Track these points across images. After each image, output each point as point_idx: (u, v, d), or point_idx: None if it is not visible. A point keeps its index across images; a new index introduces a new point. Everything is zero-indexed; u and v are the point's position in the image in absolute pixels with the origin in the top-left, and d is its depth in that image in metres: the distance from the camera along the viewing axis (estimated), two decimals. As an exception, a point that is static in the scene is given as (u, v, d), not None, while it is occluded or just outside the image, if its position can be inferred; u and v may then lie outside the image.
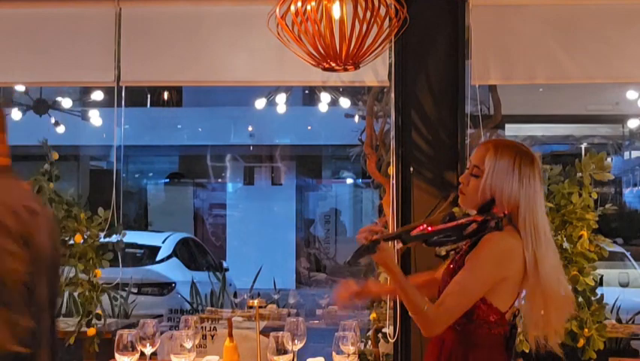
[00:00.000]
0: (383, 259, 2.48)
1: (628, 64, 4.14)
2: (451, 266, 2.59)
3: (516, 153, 2.54)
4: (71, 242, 4.27)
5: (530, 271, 2.46)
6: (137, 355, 2.91)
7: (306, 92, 13.76)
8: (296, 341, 3.09)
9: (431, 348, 2.65)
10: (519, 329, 2.70)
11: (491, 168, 2.51)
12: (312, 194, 18.23)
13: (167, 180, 17.67)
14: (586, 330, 3.85)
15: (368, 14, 3.18)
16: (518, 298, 2.52)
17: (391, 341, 4.10)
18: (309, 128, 15.15)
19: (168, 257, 9.92)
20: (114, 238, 4.43)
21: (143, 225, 16.40)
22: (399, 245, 2.63)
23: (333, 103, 7.82)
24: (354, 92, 7.63)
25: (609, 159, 9.44)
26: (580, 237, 3.84)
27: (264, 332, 3.42)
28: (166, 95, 15.95)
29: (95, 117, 9.69)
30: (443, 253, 3.43)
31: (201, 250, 11.41)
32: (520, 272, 2.48)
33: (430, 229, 2.52)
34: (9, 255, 1.77)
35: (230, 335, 3.25)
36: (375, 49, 3.32)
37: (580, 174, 3.89)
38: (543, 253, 2.47)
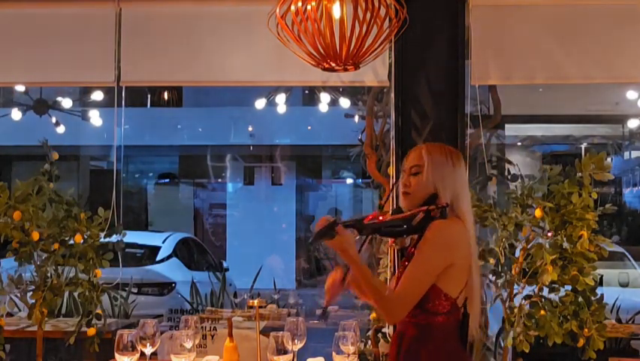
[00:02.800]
0: (340, 244, 2.58)
1: (628, 64, 4.14)
2: (406, 263, 2.69)
3: (444, 149, 2.75)
4: (71, 242, 4.27)
5: (471, 255, 2.64)
6: (137, 355, 2.92)
7: (306, 92, 13.77)
8: (296, 341, 3.09)
9: (392, 342, 2.77)
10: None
11: (429, 161, 2.69)
12: (312, 194, 18.23)
13: (161, 180, 17.66)
14: (586, 330, 3.85)
15: (368, 15, 3.18)
16: (467, 284, 2.64)
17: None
18: (309, 128, 15.15)
19: (168, 257, 9.92)
20: (114, 238, 4.43)
21: (143, 225, 16.40)
22: (358, 235, 2.70)
23: (333, 103, 7.83)
24: (354, 92, 7.64)
25: (609, 159, 9.46)
26: (580, 237, 3.83)
27: (264, 332, 3.42)
28: (166, 95, 15.95)
29: (95, 117, 9.70)
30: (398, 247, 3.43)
31: (201, 250, 11.41)
32: (467, 258, 2.63)
33: (380, 218, 2.68)
34: None
35: (230, 335, 3.25)
36: (375, 49, 3.32)
37: (580, 174, 3.89)
38: (474, 240, 2.69)
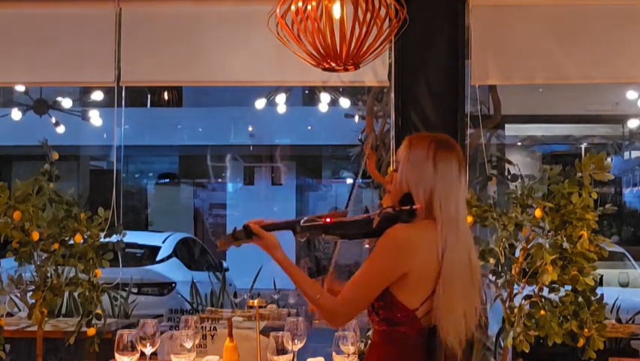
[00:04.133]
0: (264, 246, 2.55)
1: (628, 64, 4.14)
2: None
3: (431, 141, 2.46)
4: (71, 242, 4.27)
5: (441, 263, 2.36)
6: (137, 355, 2.91)
7: (306, 92, 13.77)
8: (296, 341, 3.09)
9: (368, 352, 2.61)
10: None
11: (405, 158, 2.46)
12: (312, 194, 18.23)
13: (161, 180, 17.66)
14: (586, 330, 3.85)
15: (368, 15, 3.18)
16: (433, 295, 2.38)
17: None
18: (309, 128, 15.15)
19: (168, 257, 9.92)
20: (114, 238, 4.43)
21: (143, 225, 16.40)
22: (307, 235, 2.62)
23: (333, 103, 7.83)
24: (354, 92, 7.64)
25: (609, 159, 9.45)
26: (580, 237, 3.83)
27: (264, 332, 3.41)
28: (166, 95, 15.95)
29: (95, 117, 9.70)
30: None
31: (201, 250, 11.41)
32: (426, 268, 2.37)
33: (328, 220, 2.50)
34: None
35: (230, 335, 3.25)
36: (375, 49, 3.32)
37: (580, 174, 3.89)
38: (452, 246, 2.38)
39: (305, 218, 2.55)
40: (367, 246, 2.59)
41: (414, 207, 2.40)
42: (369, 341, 2.58)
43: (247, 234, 2.56)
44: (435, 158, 2.42)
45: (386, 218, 2.41)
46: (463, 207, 2.46)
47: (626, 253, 9.31)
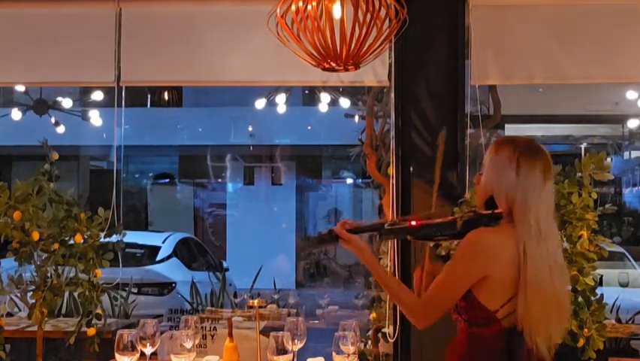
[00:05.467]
0: (357, 251, 2.53)
1: (628, 64, 4.14)
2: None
3: (516, 146, 2.48)
4: (71, 242, 4.27)
5: (521, 268, 2.41)
6: (137, 355, 2.91)
7: (306, 92, 13.77)
8: (296, 341, 3.09)
9: (449, 346, 2.66)
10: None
11: (489, 163, 2.51)
12: (312, 194, 18.23)
13: (159, 180, 17.67)
14: (585, 330, 3.85)
15: (368, 16, 3.18)
16: (515, 298, 2.43)
17: (391, 341, 4.11)
18: (309, 128, 15.15)
19: (168, 257, 9.92)
20: (114, 238, 4.43)
21: (143, 225, 16.40)
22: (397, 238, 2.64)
23: (333, 103, 7.83)
24: (354, 92, 7.64)
25: (609, 159, 9.44)
26: (580, 237, 3.83)
27: (264, 332, 3.41)
28: (166, 95, 15.95)
29: (95, 117, 9.70)
30: (443, 252, 3.44)
31: (201, 250, 11.41)
32: (510, 271, 2.41)
33: (413, 223, 2.54)
34: None
35: (230, 335, 3.25)
36: (376, 49, 3.32)
37: (580, 174, 3.89)
38: (533, 251, 2.41)
39: (389, 221, 2.61)
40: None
41: (496, 211, 2.46)
42: (453, 343, 2.59)
43: (332, 238, 2.56)
44: (518, 164, 2.44)
45: (469, 221, 2.47)
46: (545, 213, 2.47)
47: (626, 253, 9.31)
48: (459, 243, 2.50)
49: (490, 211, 2.46)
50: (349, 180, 17.72)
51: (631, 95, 8.26)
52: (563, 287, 2.55)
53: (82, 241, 4.26)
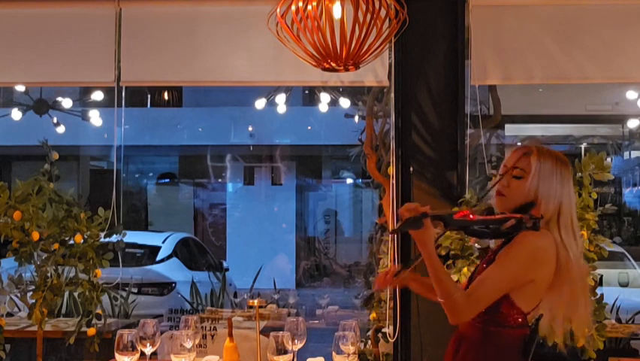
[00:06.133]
0: (423, 237, 2.51)
1: (627, 64, 4.14)
2: (484, 265, 2.62)
3: (556, 157, 2.61)
4: (71, 242, 4.27)
5: (563, 271, 2.51)
6: (137, 355, 2.92)
7: (306, 92, 13.77)
8: (296, 341, 3.09)
9: (450, 344, 2.68)
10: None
11: (537, 169, 2.56)
12: (312, 194, 18.23)
13: (161, 180, 17.67)
14: (586, 330, 3.85)
15: (368, 17, 3.18)
16: (542, 301, 2.56)
17: (391, 340, 4.11)
18: (309, 128, 15.15)
19: (168, 257, 9.92)
20: (114, 238, 4.43)
21: (143, 225, 16.41)
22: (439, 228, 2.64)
23: (333, 103, 7.82)
24: (354, 92, 7.63)
25: (609, 159, 9.44)
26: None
27: (264, 332, 3.42)
28: (166, 95, 15.95)
29: (95, 117, 9.69)
30: (443, 252, 3.43)
31: (201, 250, 11.41)
32: (549, 276, 2.52)
33: (471, 216, 2.57)
34: None
35: (230, 335, 3.25)
36: (376, 49, 3.32)
37: (580, 174, 3.89)
38: (577, 255, 2.55)
39: (451, 212, 2.63)
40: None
41: (539, 217, 2.53)
42: (464, 338, 2.62)
43: (418, 221, 2.51)
44: (561, 174, 2.58)
45: (518, 223, 2.51)
46: (577, 222, 2.63)
47: (626, 253, 9.31)
48: (507, 242, 2.53)
49: (540, 217, 2.52)
50: (349, 180, 17.72)
51: (631, 95, 8.26)
52: (588, 287, 2.75)
53: (82, 241, 4.26)
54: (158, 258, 9.82)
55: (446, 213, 2.60)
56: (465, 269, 3.78)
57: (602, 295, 3.97)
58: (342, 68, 3.31)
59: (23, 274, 4.31)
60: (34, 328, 4.45)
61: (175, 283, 9.24)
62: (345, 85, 5.44)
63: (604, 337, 3.88)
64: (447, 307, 2.50)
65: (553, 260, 2.51)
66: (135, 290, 8.46)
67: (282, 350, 2.91)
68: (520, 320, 2.53)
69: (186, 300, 8.41)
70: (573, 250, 2.53)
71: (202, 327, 3.70)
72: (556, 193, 2.55)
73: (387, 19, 3.40)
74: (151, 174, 17.99)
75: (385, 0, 3.35)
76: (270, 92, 8.01)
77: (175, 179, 17.70)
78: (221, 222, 17.11)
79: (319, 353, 3.32)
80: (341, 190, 18.07)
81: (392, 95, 4.16)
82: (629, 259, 9.26)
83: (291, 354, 2.98)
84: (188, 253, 10.65)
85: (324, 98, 7.66)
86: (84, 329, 4.37)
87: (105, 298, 5.76)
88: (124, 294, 7.54)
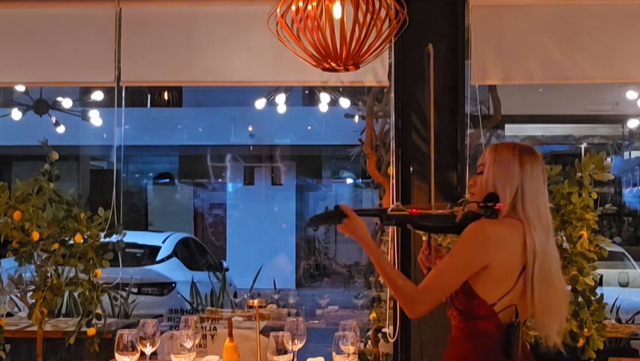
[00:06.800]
0: (351, 229, 2.57)
1: (627, 64, 4.14)
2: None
3: (515, 145, 2.59)
4: (71, 242, 4.27)
5: (529, 260, 2.46)
6: (137, 355, 2.92)
7: (306, 92, 13.77)
8: (296, 341, 3.09)
9: (447, 348, 2.67)
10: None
11: (492, 160, 2.57)
12: (312, 194, 18.24)
13: (160, 180, 17.67)
14: (585, 330, 3.85)
15: (368, 17, 3.18)
16: (512, 291, 2.47)
17: (391, 340, 4.11)
18: (309, 128, 15.15)
19: (168, 257, 9.92)
20: (114, 238, 4.43)
21: (143, 225, 16.41)
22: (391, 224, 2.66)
23: (333, 103, 7.82)
24: (354, 93, 7.63)
25: (609, 159, 9.44)
26: (580, 237, 3.84)
27: (264, 332, 3.42)
28: (166, 95, 15.95)
29: (95, 117, 9.69)
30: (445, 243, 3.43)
31: (201, 250, 11.41)
32: (511, 262, 2.46)
33: (414, 211, 2.58)
34: None
35: (230, 335, 3.25)
36: (376, 49, 3.33)
37: (580, 174, 3.89)
38: (544, 243, 2.48)
39: (391, 207, 2.63)
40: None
41: (497, 205, 2.50)
42: (450, 338, 2.62)
43: (338, 214, 2.59)
44: (520, 159, 2.53)
45: (469, 214, 2.52)
46: (548, 210, 2.57)
47: (626, 253, 9.31)
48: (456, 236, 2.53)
49: (492, 204, 2.50)
50: (349, 180, 17.72)
51: (631, 95, 8.25)
52: (564, 283, 2.65)
53: (82, 241, 4.26)
54: (158, 258, 9.82)
55: (382, 210, 2.63)
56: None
57: (602, 295, 3.97)
58: (342, 68, 3.32)
59: (23, 274, 4.31)
60: (34, 328, 4.45)
61: (175, 283, 9.24)
62: (345, 85, 5.44)
63: (604, 337, 3.88)
64: (398, 299, 2.54)
65: (510, 246, 2.46)
66: (135, 290, 8.46)
67: (282, 350, 2.91)
68: (488, 311, 2.46)
69: (186, 300, 8.41)
70: (539, 235, 2.47)
71: (202, 327, 3.70)
72: (513, 178, 2.51)
73: (387, 20, 3.40)
74: (151, 174, 18.00)
75: (385, 0, 3.35)
76: (270, 92, 8.01)
77: (173, 179, 17.70)
78: (221, 223, 17.12)
79: (319, 353, 3.32)
80: (341, 190, 18.07)
81: (392, 95, 4.16)
82: (629, 259, 9.26)
83: (291, 354, 2.98)
84: (188, 253, 10.65)
85: (324, 98, 7.66)
86: (84, 329, 4.37)
87: (105, 298, 5.76)
88: (124, 294, 7.54)
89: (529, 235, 2.46)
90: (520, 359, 2.53)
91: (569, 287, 3.70)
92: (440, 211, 2.61)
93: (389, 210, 2.62)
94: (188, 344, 3.06)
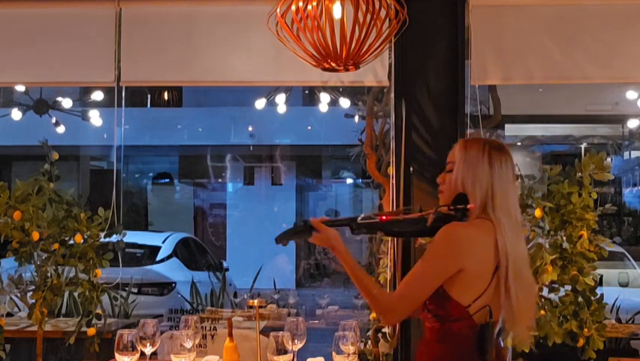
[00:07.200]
0: (324, 241, 2.55)
1: (627, 64, 4.14)
2: None
3: (485, 142, 2.54)
4: (71, 242, 4.27)
5: (502, 261, 2.42)
6: (137, 355, 2.92)
7: (306, 92, 13.77)
8: (296, 341, 3.09)
9: (418, 349, 2.65)
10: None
11: (461, 158, 2.51)
12: (312, 194, 18.24)
13: (160, 180, 17.68)
14: (585, 330, 3.85)
15: (368, 17, 3.19)
16: (486, 292, 2.44)
17: (391, 340, 4.10)
18: (309, 128, 15.16)
19: (168, 257, 9.93)
20: (114, 238, 4.43)
21: (143, 225, 16.41)
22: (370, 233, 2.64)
23: (333, 103, 7.82)
24: (354, 92, 7.63)
25: (609, 159, 9.44)
26: (580, 237, 3.84)
27: (264, 332, 3.42)
28: (166, 95, 15.96)
29: (95, 117, 9.70)
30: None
31: (201, 250, 11.41)
32: (484, 264, 2.43)
33: (383, 218, 2.55)
34: None
35: (230, 335, 3.25)
36: (376, 49, 3.33)
37: (580, 174, 3.89)
38: (514, 242, 2.45)
39: (362, 216, 2.60)
40: (423, 242, 2.60)
41: (467, 206, 2.46)
42: (423, 341, 2.59)
43: (307, 228, 2.60)
44: (490, 157, 2.48)
45: (440, 217, 2.48)
46: (518, 207, 2.53)
47: (626, 253, 9.31)
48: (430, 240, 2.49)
49: (462, 206, 2.46)
50: (349, 180, 17.72)
51: (631, 95, 8.26)
52: (535, 282, 2.65)
53: (82, 241, 4.26)
54: (158, 258, 9.82)
55: (351, 219, 2.59)
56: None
57: (602, 295, 3.97)
58: (342, 68, 3.31)
59: (23, 274, 4.31)
60: (34, 328, 4.45)
61: (175, 283, 9.24)
62: (345, 85, 5.44)
63: (604, 337, 3.88)
64: (374, 308, 2.51)
65: (483, 248, 2.42)
66: (135, 290, 8.46)
67: (282, 350, 2.91)
68: (463, 313, 2.43)
69: (186, 300, 8.41)
70: (509, 235, 2.43)
71: (202, 327, 3.70)
72: (482, 178, 2.46)
73: (387, 20, 3.40)
74: (151, 174, 18.01)
75: (385, 0, 3.35)
76: (270, 92, 8.01)
77: (172, 179, 17.70)
78: (221, 223, 17.12)
79: (319, 353, 3.32)
80: (341, 190, 18.08)
81: (392, 95, 4.16)
82: (629, 259, 9.26)
83: (291, 354, 2.98)
84: (188, 253, 10.65)
85: (324, 98, 7.66)
86: (84, 329, 4.37)
87: (105, 298, 5.76)
88: (124, 294, 7.54)
89: (501, 235, 2.43)
90: (494, 360, 2.51)
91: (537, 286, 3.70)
92: (410, 216, 2.57)
93: (359, 218, 2.58)
94: (188, 344, 3.06)
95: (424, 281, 2.44)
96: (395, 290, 2.49)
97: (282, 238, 2.62)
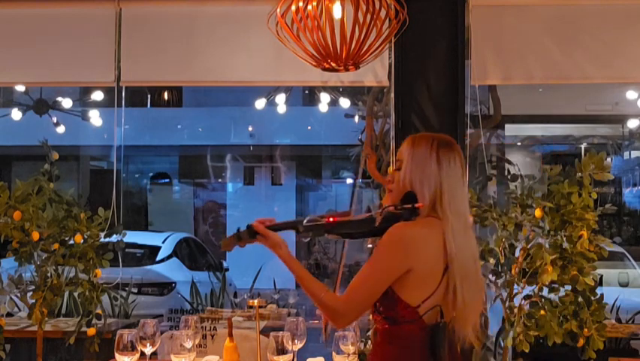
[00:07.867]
0: (270, 245, 2.51)
1: (627, 64, 4.14)
2: None
3: (433, 139, 2.48)
4: (71, 242, 4.27)
5: (450, 260, 2.38)
6: (137, 355, 2.92)
7: (306, 92, 13.78)
8: (296, 341, 3.09)
9: (371, 353, 2.62)
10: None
11: (409, 156, 2.46)
12: (312, 194, 18.23)
13: (159, 180, 17.67)
14: (585, 330, 3.85)
15: (368, 17, 3.19)
16: (436, 292, 2.40)
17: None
18: (309, 128, 15.15)
19: (168, 257, 9.92)
20: (114, 238, 4.43)
21: (143, 225, 16.41)
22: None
23: (333, 103, 7.83)
24: (354, 92, 7.64)
25: (609, 159, 9.45)
26: (580, 237, 3.84)
27: (264, 332, 3.42)
28: (166, 95, 15.96)
29: (95, 117, 9.70)
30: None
31: (201, 250, 11.41)
32: (433, 264, 2.38)
33: (331, 220, 2.50)
34: None
35: (230, 335, 3.25)
36: (376, 49, 3.33)
37: (580, 174, 3.89)
38: (462, 242, 2.41)
39: (308, 218, 2.55)
40: (370, 245, 2.58)
41: (416, 205, 2.41)
42: (373, 341, 2.57)
43: (251, 234, 2.55)
44: (438, 155, 2.43)
45: (388, 217, 2.42)
46: (467, 205, 2.50)
47: (626, 253, 9.31)
48: (379, 239, 2.44)
49: (410, 205, 2.41)
50: (349, 180, 17.72)
51: (631, 95, 8.27)
52: (483, 279, 2.63)
53: (82, 241, 4.26)
54: (158, 258, 9.82)
55: (297, 221, 2.55)
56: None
57: (602, 295, 3.97)
58: (342, 68, 3.32)
59: (23, 274, 4.30)
60: (34, 328, 4.45)
61: (175, 283, 9.24)
62: (345, 85, 5.44)
63: (604, 337, 3.88)
64: (323, 312, 2.47)
65: (431, 247, 2.38)
66: (135, 290, 8.45)
67: (282, 350, 2.91)
68: (412, 314, 2.38)
69: (186, 300, 8.41)
70: (457, 233, 2.39)
71: (202, 327, 3.70)
72: (431, 177, 2.41)
73: (387, 20, 3.40)
74: (151, 174, 18.00)
75: (385, 0, 3.35)
76: (270, 92, 8.02)
77: (171, 179, 17.70)
78: (221, 222, 17.11)
79: (319, 353, 3.32)
80: (341, 190, 18.06)
81: (392, 95, 4.16)
82: (629, 259, 9.25)
83: (291, 354, 2.98)
84: (188, 253, 10.65)
85: (324, 98, 7.67)
86: (84, 329, 4.37)
87: (105, 298, 5.76)
88: (124, 294, 7.54)
89: (449, 234, 2.39)
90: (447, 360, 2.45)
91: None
92: (358, 217, 2.52)
93: (305, 221, 2.53)
94: (188, 344, 3.06)
95: (372, 283, 2.39)
96: (343, 294, 2.43)
97: (227, 245, 2.59)
